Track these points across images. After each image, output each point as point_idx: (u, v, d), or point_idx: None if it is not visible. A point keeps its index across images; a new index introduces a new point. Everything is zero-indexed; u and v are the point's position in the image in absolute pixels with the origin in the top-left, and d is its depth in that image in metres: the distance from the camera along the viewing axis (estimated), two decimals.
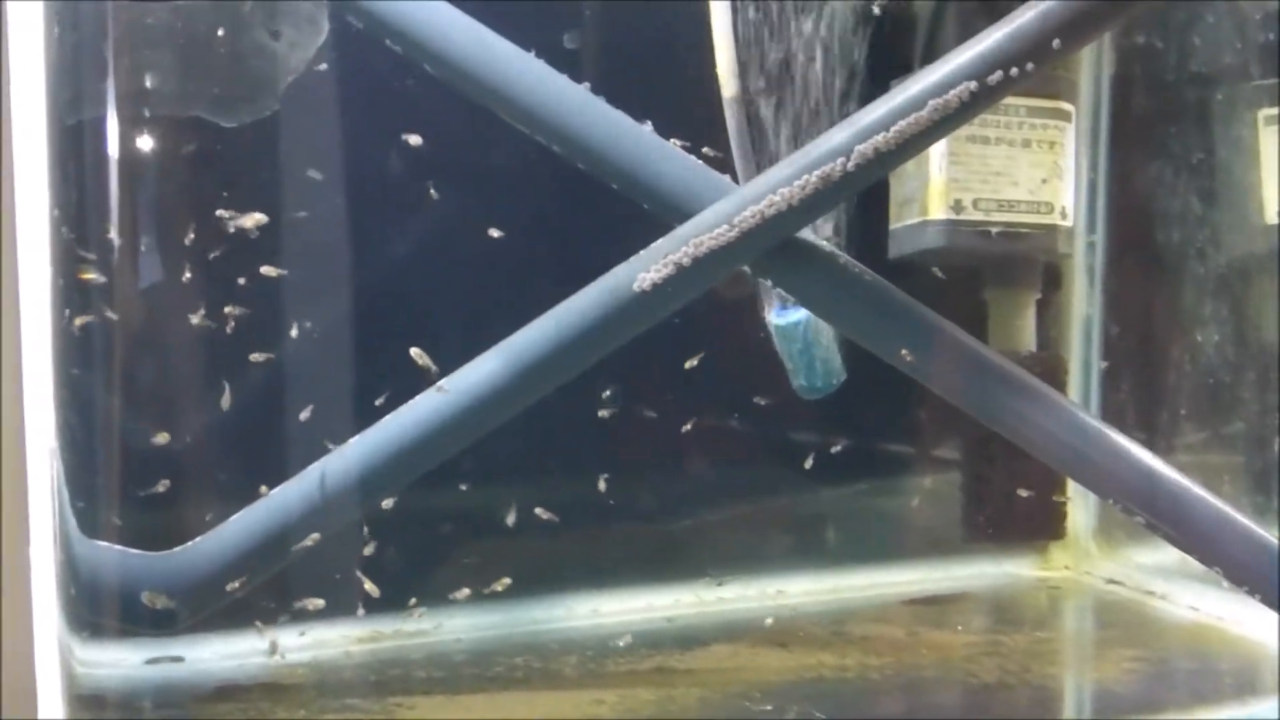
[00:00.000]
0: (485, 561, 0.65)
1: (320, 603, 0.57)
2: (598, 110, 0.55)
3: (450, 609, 0.65)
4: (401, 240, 0.65)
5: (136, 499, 0.56)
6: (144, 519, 0.56)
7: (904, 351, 0.54)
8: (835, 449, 0.73)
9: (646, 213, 0.55)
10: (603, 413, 0.65)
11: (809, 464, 0.71)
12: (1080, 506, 0.81)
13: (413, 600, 0.63)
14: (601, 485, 0.66)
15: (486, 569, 0.64)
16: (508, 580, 0.64)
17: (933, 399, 0.57)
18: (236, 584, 0.52)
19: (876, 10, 0.67)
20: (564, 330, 0.53)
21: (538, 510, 0.64)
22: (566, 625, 0.68)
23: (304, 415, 0.58)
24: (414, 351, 0.55)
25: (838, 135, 0.51)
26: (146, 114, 0.56)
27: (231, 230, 0.56)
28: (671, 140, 0.56)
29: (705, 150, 0.56)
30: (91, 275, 0.54)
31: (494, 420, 0.53)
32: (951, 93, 0.49)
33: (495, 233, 0.62)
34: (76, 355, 0.54)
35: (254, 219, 0.57)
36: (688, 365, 0.65)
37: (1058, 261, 0.76)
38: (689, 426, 0.69)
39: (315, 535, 0.52)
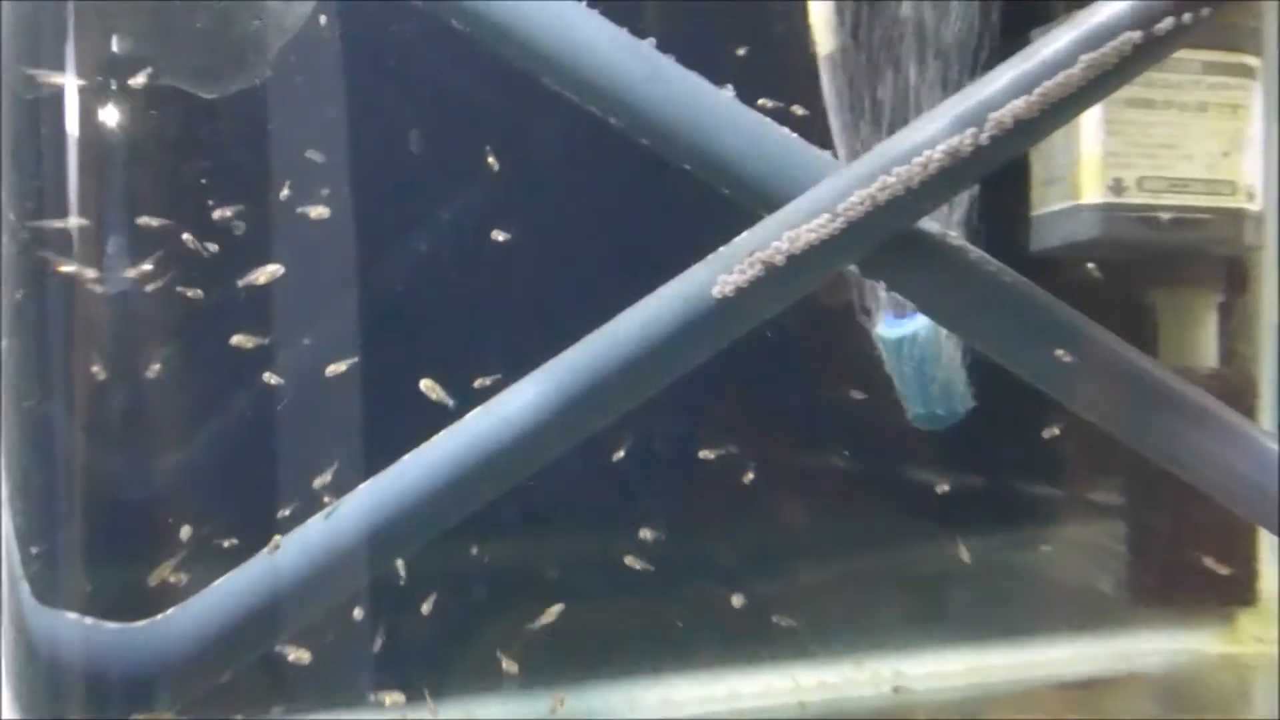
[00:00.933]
0: (527, 636, 0.64)
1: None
2: (665, 71, 0.54)
3: (482, 697, 0.64)
4: (416, 239, 0.67)
5: (104, 556, 0.56)
6: (114, 580, 0.56)
7: (1059, 353, 0.53)
8: (963, 493, 0.73)
9: (726, 201, 0.54)
10: (665, 446, 0.66)
11: (930, 512, 0.72)
12: (1276, 564, 0.79)
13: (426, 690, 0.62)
14: (663, 539, 0.66)
15: (529, 645, 0.64)
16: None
17: (1086, 429, 0.56)
18: (227, 662, 0.52)
19: None
20: (625, 348, 0.52)
21: (628, 559, 0.64)
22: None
23: (310, 456, 0.58)
24: (425, 384, 0.55)
25: (966, 101, 0.49)
26: (113, 84, 0.57)
27: (241, 289, 0.57)
28: (758, 108, 0.55)
29: (794, 109, 0.56)
30: (51, 282, 0.54)
31: (534, 461, 0.52)
32: (1109, 45, 0.48)
33: (501, 236, 0.64)
34: (29, 380, 0.54)
35: (268, 272, 0.58)
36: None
37: (1243, 255, 0.75)
38: (776, 465, 0.68)
39: (320, 601, 0.52)
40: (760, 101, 0.56)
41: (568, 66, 0.54)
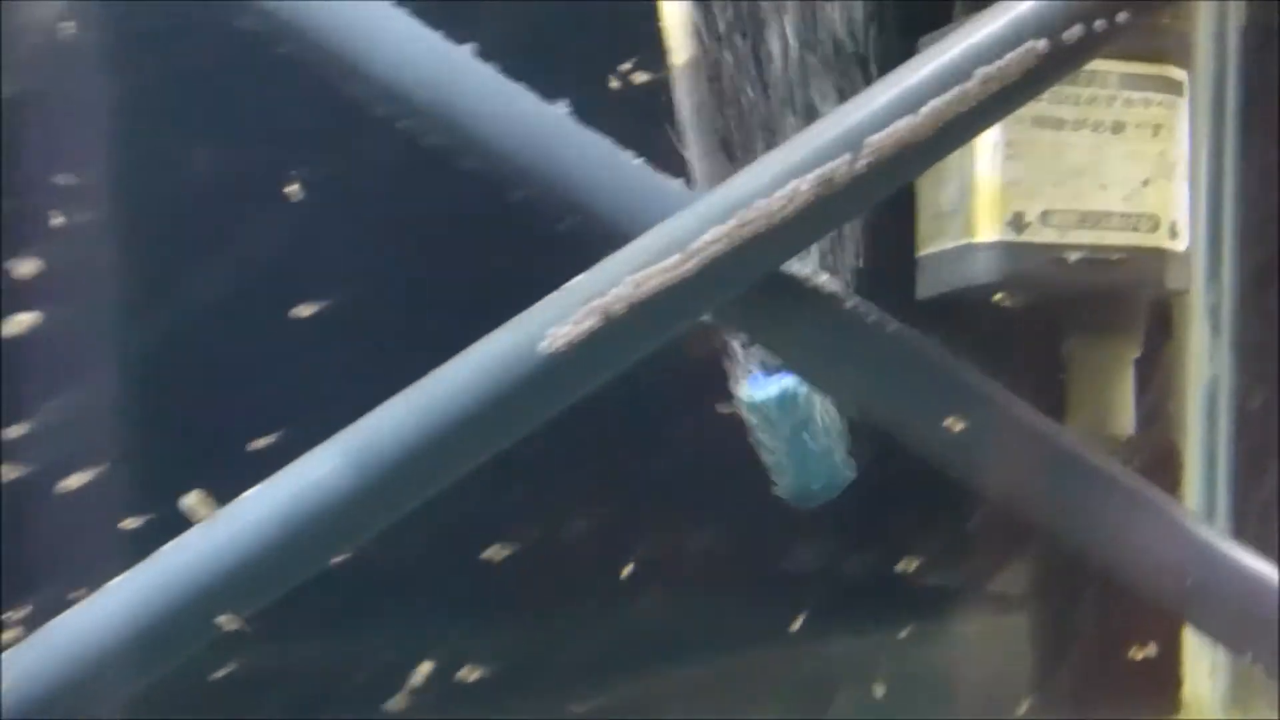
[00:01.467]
0: None
1: None
2: (489, 83, 0.54)
3: None
4: (187, 276, 0.67)
5: None
6: None
7: (948, 421, 0.52)
8: (843, 580, 0.73)
9: (560, 236, 0.54)
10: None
11: (807, 602, 0.71)
12: (1202, 666, 0.79)
13: None
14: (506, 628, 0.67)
15: None
16: None
17: (984, 507, 0.58)
18: None
19: None
20: (439, 412, 0.49)
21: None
22: None
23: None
24: (186, 502, 0.51)
25: (841, 122, 0.48)
26: None
27: None
28: (596, 129, 0.54)
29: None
30: None
31: (330, 549, 0.49)
32: (1009, 56, 0.47)
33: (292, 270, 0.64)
34: None
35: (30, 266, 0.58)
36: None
37: (1168, 300, 0.75)
38: (624, 550, 0.70)
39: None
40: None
41: (371, 73, 0.54)
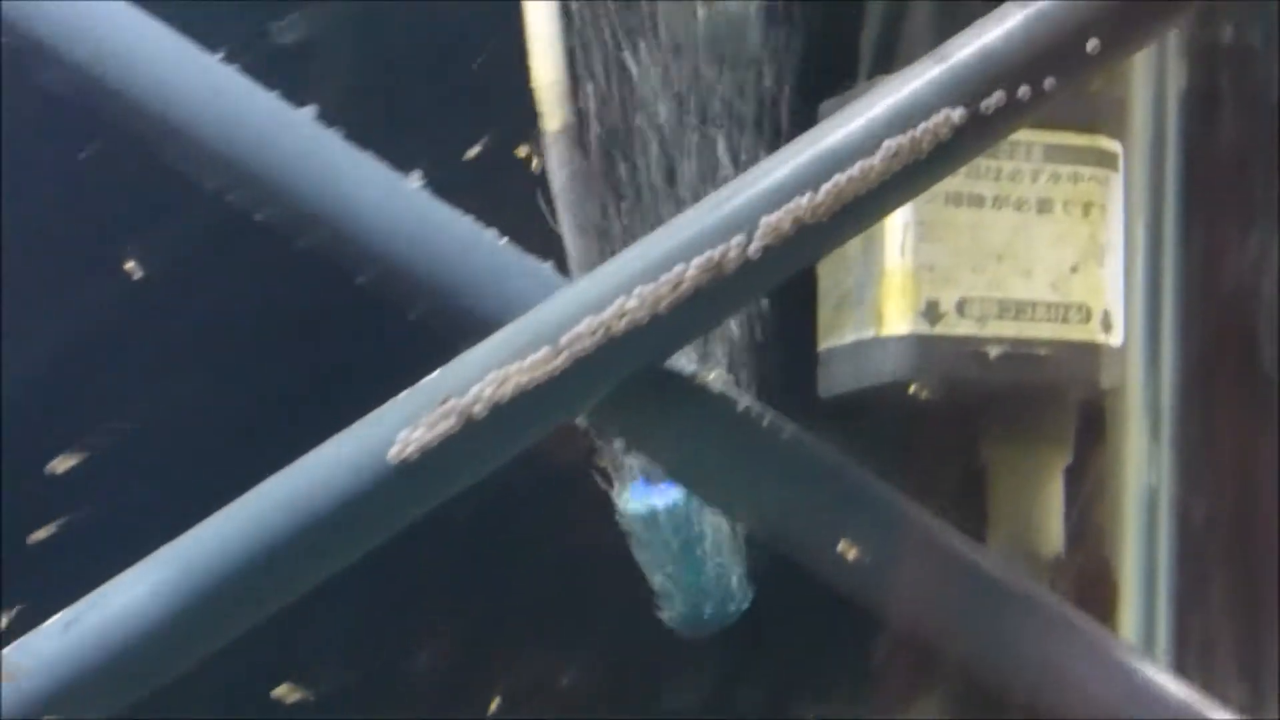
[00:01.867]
0: None
1: None
2: (331, 151, 0.54)
3: None
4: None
5: None
6: None
7: (843, 547, 0.51)
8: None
9: (412, 326, 0.53)
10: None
11: None
12: None
13: None
14: None
15: None
16: None
17: (894, 639, 0.57)
18: None
19: None
20: (268, 528, 0.49)
21: None
22: None
23: None
24: None
25: (733, 199, 0.48)
26: None
27: None
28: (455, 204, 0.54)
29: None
30: None
31: (144, 681, 0.49)
32: (922, 125, 0.46)
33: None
34: None
35: None
36: None
37: (1101, 400, 0.73)
38: (491, 676, 0.70)
39: None
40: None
41: (199, 137, 0.53)
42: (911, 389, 0.68)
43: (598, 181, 0.66)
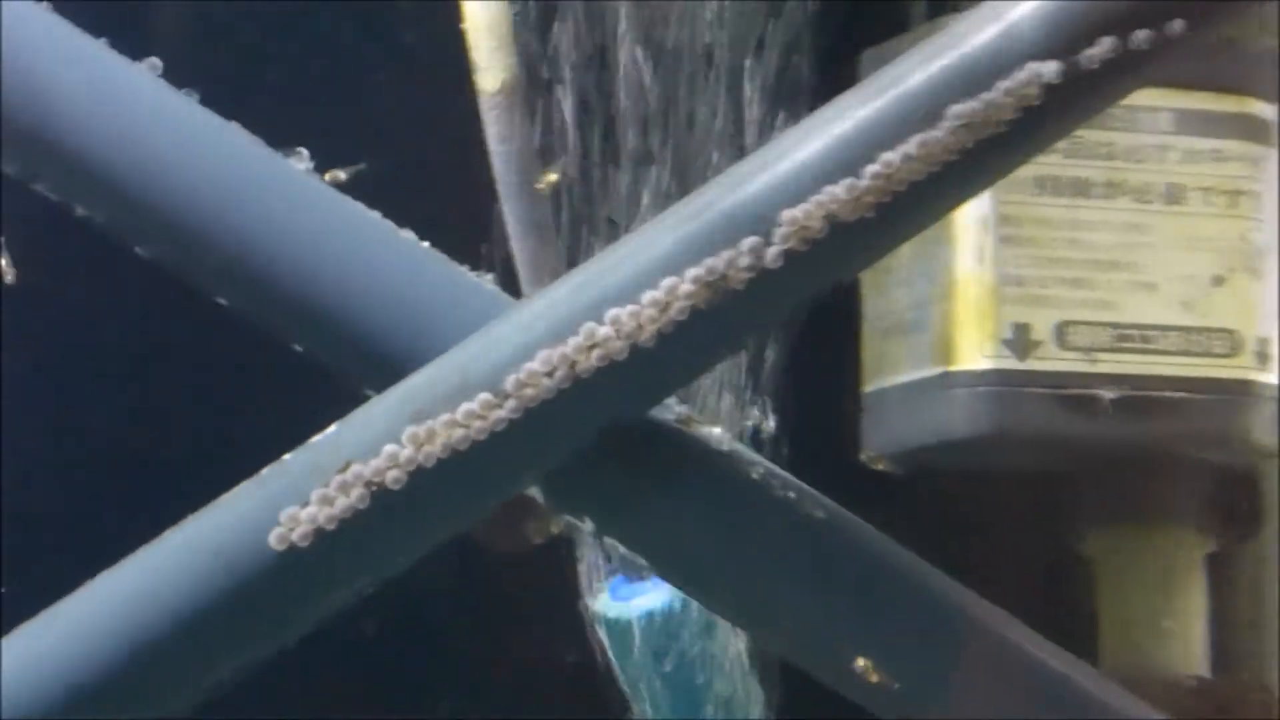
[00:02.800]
0: None
1: None
2: (221, 144, 0.46)
3: None
4: None
5: None
6: None
7: (863, 667, 0.43)
8: None
9: (302, 363, 0.45)
10: None
11: None
12: None
13: None
14: None
15: None
16: None
17: None
18: None
19: None
20: (113, 633, 0.42)
21: None
22: None
23: None
24: None
25: (741, 188, 0.40)
26: None
27: None
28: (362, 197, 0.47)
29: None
30: None
31: None
32: (1002, 86, 0.38)
33: None
34: None
35: None
36: None
37: (1254, 461, 0.65)
38: None
39: None
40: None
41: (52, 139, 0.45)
42: (992, 446, 0.63)
43: (554, 160, 0.59)
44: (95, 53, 0.46)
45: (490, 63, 0.56)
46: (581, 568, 0.62)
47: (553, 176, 0.60)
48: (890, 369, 0.64)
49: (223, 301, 0.46)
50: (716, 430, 0.44)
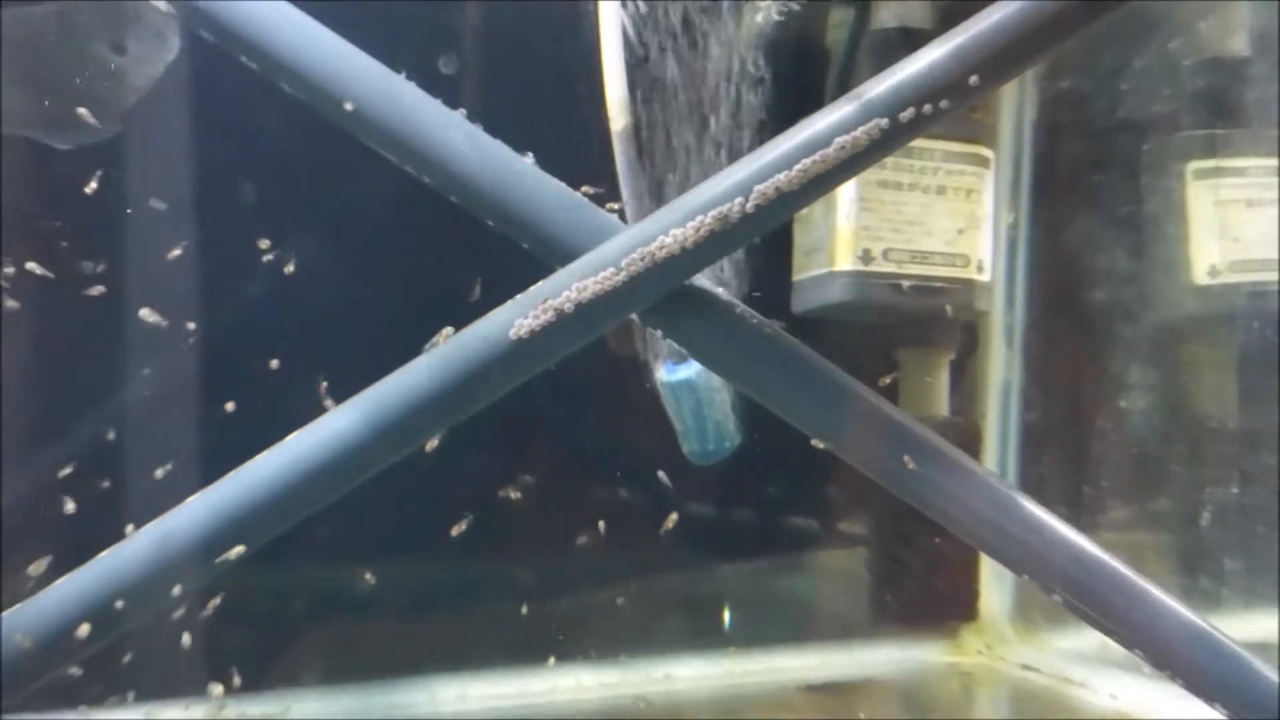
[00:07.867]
0: (340, 641, 0.71)
1: None
2: (474, 139, 0.60)
3: (300, 691, 0.71)
4: (248, 279, 0.75)
5: None
6: None
7: (811, 401, 0.57)
8: (731, 522, 0.81)
9: (525, 254, 0.60)
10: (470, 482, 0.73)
11: (703, 538, 0.79)
12: (995, 586, 0.87)
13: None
14: (467, 560, 0.73)
15: (343, 650, 0.71)
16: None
17: (839, 467, 0.62)
18: (62, 658, 0.56)
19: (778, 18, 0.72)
20: (430, 383, 0.57)
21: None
22: (431, 712, 0.73)
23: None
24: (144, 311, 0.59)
25: (736, 173, 0.55)
26: None
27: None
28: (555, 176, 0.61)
29: (585, 189, 0.61)
30: None
31: (348, 482, 0.58)
32: (860, 129, 0.53)
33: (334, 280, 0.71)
34: None
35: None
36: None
37: (974, 320, 0.83)
38: (564, 495, 0.76)
39: (153, 605, 0.57)
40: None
41: (389, 133, 0.59)
42: (853, 309, 0.78)
43: (646, 164, 0.71)
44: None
45: (617, 115, 0.71)
46: (651, 357, 0.73)
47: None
48: (806, 268, 0.80)
49: (480, 217, 0.58)
50: (721, 291, 0.58)
